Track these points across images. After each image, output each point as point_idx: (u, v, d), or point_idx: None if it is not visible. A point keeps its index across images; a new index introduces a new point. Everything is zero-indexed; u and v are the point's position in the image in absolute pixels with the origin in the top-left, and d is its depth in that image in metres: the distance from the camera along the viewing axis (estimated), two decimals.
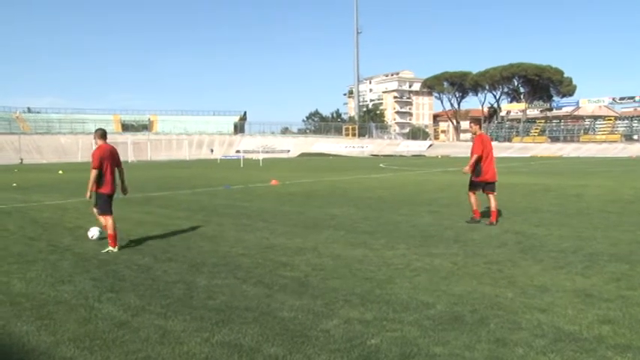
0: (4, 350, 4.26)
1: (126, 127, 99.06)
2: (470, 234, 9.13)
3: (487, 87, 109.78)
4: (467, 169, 10.60)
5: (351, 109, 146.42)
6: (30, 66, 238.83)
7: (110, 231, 8.12)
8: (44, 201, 15.80)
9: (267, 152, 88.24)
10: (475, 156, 10.36)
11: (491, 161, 10.49)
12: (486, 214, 10.63)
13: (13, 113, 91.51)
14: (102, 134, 8.58)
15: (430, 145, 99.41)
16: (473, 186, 10.71)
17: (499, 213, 10.75)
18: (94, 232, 9.05)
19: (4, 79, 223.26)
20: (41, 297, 5.63)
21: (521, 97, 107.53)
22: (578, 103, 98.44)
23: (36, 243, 8.76)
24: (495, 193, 10.56)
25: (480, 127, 10.85)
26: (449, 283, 5.95)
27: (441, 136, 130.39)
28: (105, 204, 8.27)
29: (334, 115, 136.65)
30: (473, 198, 10.70)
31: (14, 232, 10.07)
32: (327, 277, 6.30)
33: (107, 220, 8.18)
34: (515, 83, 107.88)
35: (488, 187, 10.52)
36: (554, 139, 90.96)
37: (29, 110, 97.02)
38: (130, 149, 74.88)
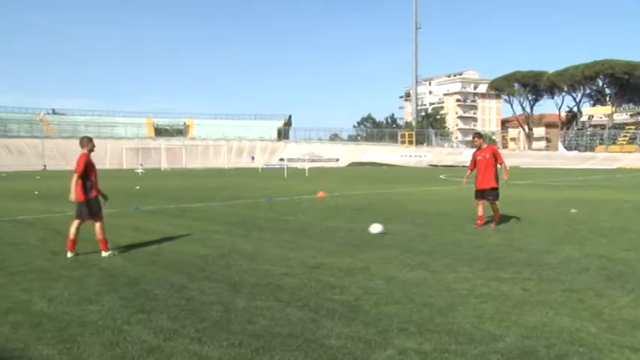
0: None
1: (159, 132, 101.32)
2: (545, 257, 8.91)
3: (565, 88, 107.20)
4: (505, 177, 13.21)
5: (407, 114, 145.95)
6: (56, 64, 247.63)
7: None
8: (69, 211, 16.19)
9: (313, 161, 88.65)
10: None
11: (483, 171, 12.78)
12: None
13: (37, 115, 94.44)
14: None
15: None
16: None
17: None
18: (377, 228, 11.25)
19: (28, 78, 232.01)
20: (64, 317, 5.75)
21: (607, 99, 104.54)
22: None
23: (59, 258, 8.99)
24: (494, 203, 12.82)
25: (483, 140, 13.24)
26: (520, 312, 5.81)
27: (511, 144, 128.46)
28: None
29: (389, 120, 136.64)
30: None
31: (36, 245, 10.38)
32: (381, 301, 6.25)
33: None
34: (600, 83, 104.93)
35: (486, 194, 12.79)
36: None
37: (54, 112, 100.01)
38: (163, 156, 76.65)
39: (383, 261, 8.62)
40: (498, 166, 12.84)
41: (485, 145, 12.95)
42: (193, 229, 12.33)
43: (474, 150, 13.23)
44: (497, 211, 12.88)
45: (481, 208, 12.73)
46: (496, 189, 12.82)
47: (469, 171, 13.32)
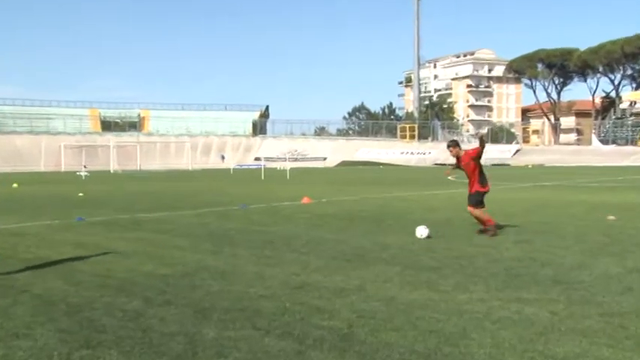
0: None
1: (107, 126, 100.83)
2: (577, 273, 8.95)
3: (601, 69, 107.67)
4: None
5: (408, 103, 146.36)
6: None
7: None
8: None
9: (296, 160, 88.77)
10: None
11: (469, 178, 13.44)
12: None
13: None
14: None
15: (517, 151, 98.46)
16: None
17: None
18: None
19: None
20: None
21: None
22: None
23: None
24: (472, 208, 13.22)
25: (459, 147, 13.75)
26: (547, 340, 5.82)
27: (533, 138, 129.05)
28: None
29: (386, 110, 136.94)
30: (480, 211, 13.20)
31: None
32: (378, 328, 6.26)
33: None
34: None
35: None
36: None
37: None
38: (112, 155, 76.10)
39: (381, 279, 8.62)
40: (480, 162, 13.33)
41: (462, 153, 13.46)
42: (151, 244, 12.29)
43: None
44: (478, 218, 13.22)
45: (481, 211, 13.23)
46: (478, 193, 13.20)
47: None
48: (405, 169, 74.79)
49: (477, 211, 13.09)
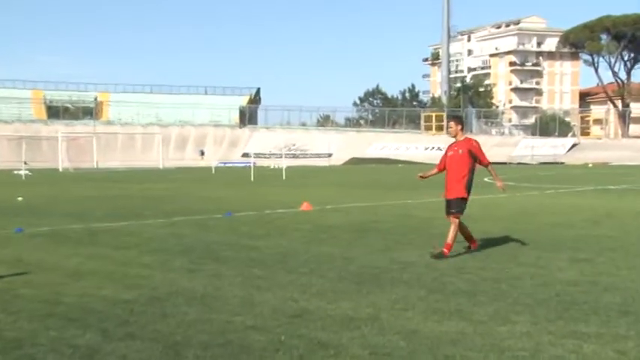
0: None
1: (55, 112, 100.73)
2: None
3: None
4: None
5: (435, 85, 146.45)
6: None
7: None
8: None
9: (294, 157, 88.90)
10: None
11: (451, 174, 12.88)
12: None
13: None
14: None
15: (574, 146, 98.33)
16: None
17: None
18: None
19: None
20: None
21: None
22: None
23: None
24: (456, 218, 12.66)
25: (463, 128, 13.23)
26: None
27: (595, 129, 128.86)
28: None
29: (407, 94, 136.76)
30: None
31: None
32: None
33: None
34: None
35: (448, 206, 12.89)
36: None
37: None
38: (61, 149, 75.92)
39: (400, 306, 8.63)
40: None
41: (462, 137, 12.98)
42: (110, 262, 12.29)
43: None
44: (452, 235, 12.50)
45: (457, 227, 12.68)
46: (463, 200, 12.68)
47: (435, 170, 13.70)
48: (431, 168, 74.74)
49: (458, 222, 12.60)
